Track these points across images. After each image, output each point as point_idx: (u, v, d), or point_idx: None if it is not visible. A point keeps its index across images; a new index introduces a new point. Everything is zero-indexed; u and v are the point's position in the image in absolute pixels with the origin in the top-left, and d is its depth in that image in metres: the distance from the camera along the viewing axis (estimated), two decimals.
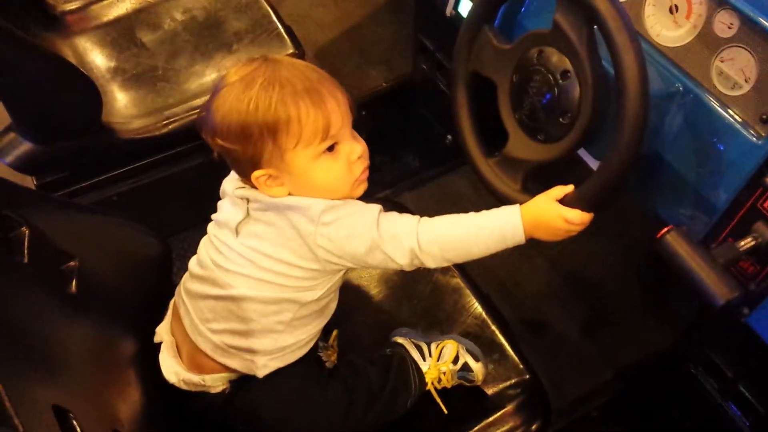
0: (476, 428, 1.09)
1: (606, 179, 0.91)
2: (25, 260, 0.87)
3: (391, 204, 1.38)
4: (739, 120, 0.92)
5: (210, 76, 1.62)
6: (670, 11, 1.00)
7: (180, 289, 1.05)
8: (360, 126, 1.92)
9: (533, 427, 1.12)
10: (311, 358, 1.07)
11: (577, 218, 0.92)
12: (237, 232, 0.96)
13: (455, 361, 1.10)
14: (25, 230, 0.88)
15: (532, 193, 0.99)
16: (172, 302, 1.07)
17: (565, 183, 0.96)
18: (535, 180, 1.04)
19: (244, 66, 0.91)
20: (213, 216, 1.02)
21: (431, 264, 0.94)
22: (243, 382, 1.02)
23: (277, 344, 0.99)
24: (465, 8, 1.34)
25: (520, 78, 1.02)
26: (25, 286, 0.86)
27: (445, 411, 1.09)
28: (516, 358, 1.17)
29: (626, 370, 1.40)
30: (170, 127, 1.51)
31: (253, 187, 0.94)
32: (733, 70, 0.93)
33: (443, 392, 1.10)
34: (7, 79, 1.26)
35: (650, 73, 0.87)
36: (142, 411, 0.94)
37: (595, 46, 0.94)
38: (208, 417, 1.04)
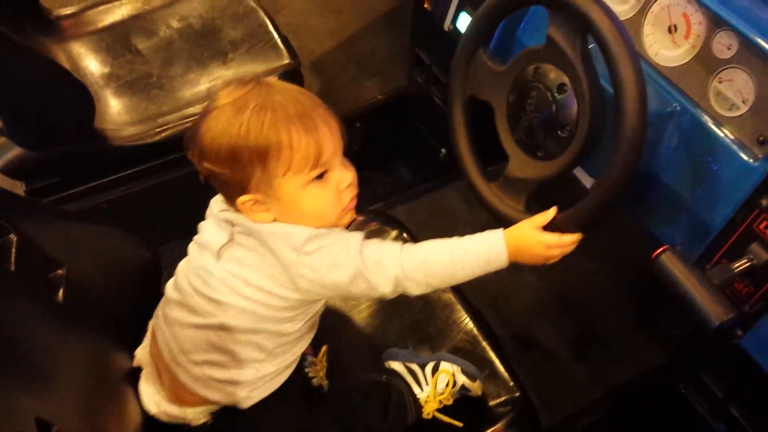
0: None
1: (602, 197, 0.91)
2: (12, 268, 0.86)
3: (384, 217, 1.38)
4: (736, 141, 0.92)
5: (205, 85, 1.61)
6: (669, 31, 1.00)
7: (159, 313, 1.02)
8: (353, 138, 1.93)
9: None
10: (297, 381, 1.04)
11: (555, 243, 0.93)
12: (219, 256, 0.93)
13: (453, 384, 1.09)
14: (13, 237, 0.87)
15: (534, 213, 0.99)
16: (151, 324, 1.04)
17: (565, 202, 0.96)
18: (537, 200, 1.03)
19: (236, 88, 0.89)
20: (195, 238, 1.00)
21: (415, 291, 0.93)
22: (226, 414, 0.99)
23: (259, 373, 0.97)
24: (463, 23, 1.34)
25: (517, 96, 1.02)
26: (11, 294, 0.85)
27: (460, 424, 1.08)
28: (506, 375, 1.17)
29: (617, 389, 1.39)
30: (163, 134, 1.50)
31: (239, 210, 0.92)
32: (731, 91, 0.93)
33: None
34: None
35: (648, 93, 0.87)
36: (128, 427, 0.93)
37: (590, 57, 0.94)
38: None
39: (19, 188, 1.48)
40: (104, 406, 0.89)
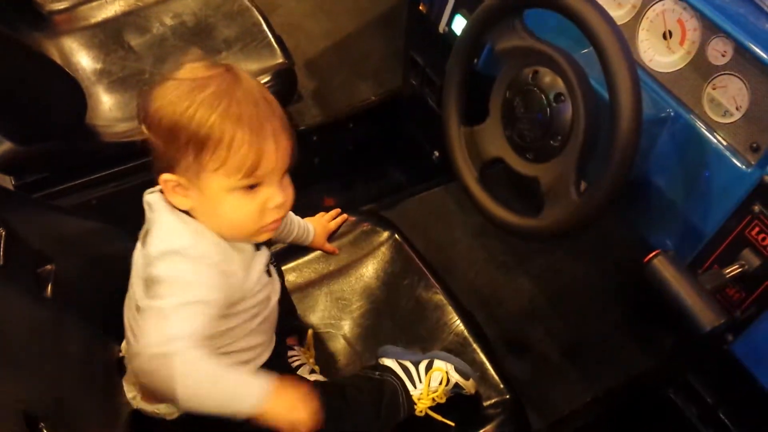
0: None
1: (594, 203, 0.91)
2: (1, 262, 0.85)
3: (376, 217, 1.37)
4: (729, 147, 0.93)
5: None
6: (664, 37, 1.00)
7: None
8: (347, 139, 1.92)
9: None
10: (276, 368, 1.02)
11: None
12: (142, 242, 0.90)
13: (446, 383, 1.09)
14: (2, 231, 0.86)
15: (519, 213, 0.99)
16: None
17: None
18: (525, 201, 1.04)
19: (203, 67, 0.85)
20: None
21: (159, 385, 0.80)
22: None
23: None
24: (458, 25, 1.35)
25: (513, 97, 1.02)
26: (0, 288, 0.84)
27: (452, 424, 1.08)
28: (497, 378, 1.16)
29: (607, 393, 1.39)
30: None
31: (161, 189, 0.89)
32: (724, 98, 0.94)
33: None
34: None
35: (642, 98, 0.88)
36: (114, 420, 0.92)
37: (585, 73, 0.94)
38: None
39: (8, 183, 1.46)
40: (91, 400, 0.88)
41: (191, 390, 0.79)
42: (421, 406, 1.08)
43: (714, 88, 0.95)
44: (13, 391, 0.73)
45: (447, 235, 1.59)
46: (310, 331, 1.16)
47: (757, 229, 0.87)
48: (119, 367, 1.00)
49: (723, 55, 0.94)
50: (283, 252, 1.27)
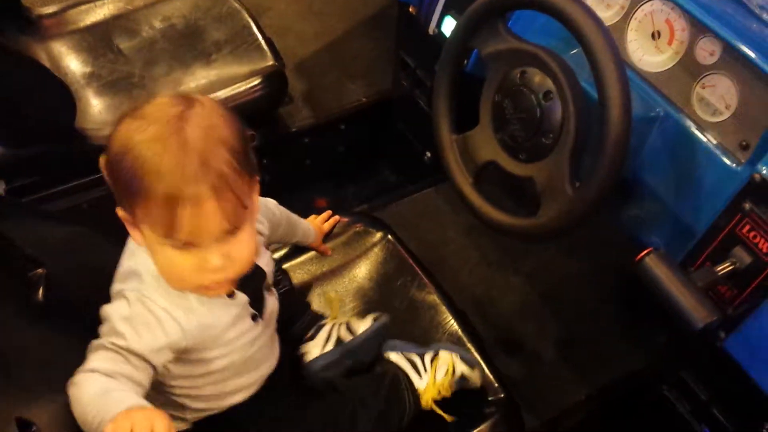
0: None
1: (585, 202, 0.92)
2: None
3: (368, 219, 1.38)
4: (719, 146, 0.93)
5: (188, 85, 1.60)
6: (653, 37, 1.01)
7: None
8: (338, 140, 1.92)
9: None
10: (284, 376, 1.03)
11: None
12: None
13: (453, 372, 1.08)
14: None
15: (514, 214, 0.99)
16: None
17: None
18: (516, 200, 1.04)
19: (166, 103, 0.78)
20: None
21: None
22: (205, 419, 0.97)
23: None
24: (448, 27, 1.35)
25: (502, 99, 1.02)
26: None
27: (449, 419, 1.07)
28: (491, 377, 1.17)
29: (600, 391, 1.40)
30: None
31: None
32: (714, 97, 0.94)
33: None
34: None
35: (632, 98, 0.88)
36: None
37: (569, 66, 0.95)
38: None
39: None
40: None
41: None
42: (427, 397, 1.07)
43: (703, 87, 0.96)
44: (3, 396, 0.73)
45: (439, 234, 1.60)
46: (331, 294, 1.13)
47: (747, 227, 0.88)
48: None
49: (711, 55, 0.94)
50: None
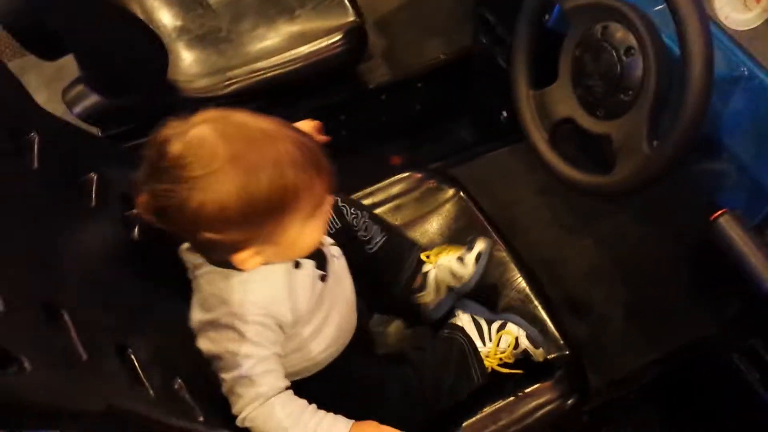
0: (512, 398, 1.11)
1: (661, 161, 0.91)
2: (93, 204, 0.92)
3: (441, 176, 1.39)
4: None
5: (272, 40, 1.64)
6: None
7: None
8: (415, 98, 1.93)
9: (569, 401, 1.13)
10: (359, 342, 1.06)
11: None
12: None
13: (515, 346, 1.11)
14: (94, 176, 0.92)
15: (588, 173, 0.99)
16: None
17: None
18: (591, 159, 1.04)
19: (219, 143, 0.80)
20: None
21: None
22: None
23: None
24: None
25: (582, 54, 1.02)
26: (92, 229, 0.91)
27: (513, 372, 1.11)
28: (557, 334, 1.18)
29: (668, 356, 1.39)
30: (232, 87, 1.55)
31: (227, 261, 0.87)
32: None
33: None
34: (78, 33, 1.30)
35: (716, 56, 0.87)
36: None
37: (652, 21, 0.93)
38: None
39: (95, 134, 1.54)
40: (179, 343, 0.91)
41: None
42: (488, 364, 1.10)
43: None
44: (104, 325, 0.79)
45: (512, 194, 1.60)
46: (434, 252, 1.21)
47: None
48: None
49: None
50: None
